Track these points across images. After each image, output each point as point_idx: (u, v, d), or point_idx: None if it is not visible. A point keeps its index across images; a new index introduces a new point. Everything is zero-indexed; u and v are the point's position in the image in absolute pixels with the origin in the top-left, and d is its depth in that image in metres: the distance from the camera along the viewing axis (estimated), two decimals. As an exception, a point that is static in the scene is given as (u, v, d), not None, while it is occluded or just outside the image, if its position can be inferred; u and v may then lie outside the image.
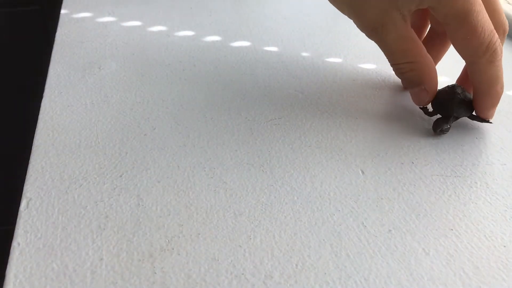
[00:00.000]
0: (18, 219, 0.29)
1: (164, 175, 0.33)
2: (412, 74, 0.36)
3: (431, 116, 0.39)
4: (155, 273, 0.26)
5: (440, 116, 0.37)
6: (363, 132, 0.37)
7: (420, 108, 0.39)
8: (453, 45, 0.35)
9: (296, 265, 0.27)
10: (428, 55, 0.36)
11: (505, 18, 0.37)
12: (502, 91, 0.35)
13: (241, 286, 0.26)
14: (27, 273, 0.26)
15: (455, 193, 0.32)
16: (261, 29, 0.53)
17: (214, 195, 0.31)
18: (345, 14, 0.36)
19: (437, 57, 0.43)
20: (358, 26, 0.36)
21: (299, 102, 0.41)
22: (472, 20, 0.32)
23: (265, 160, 0.35)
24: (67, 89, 0.42)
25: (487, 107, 0.36)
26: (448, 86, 0.38)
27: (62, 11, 0.56)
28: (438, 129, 0.36)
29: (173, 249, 0.28)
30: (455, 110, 0.36)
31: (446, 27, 0.34)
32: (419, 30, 0.43)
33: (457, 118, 0.37)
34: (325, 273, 0.26)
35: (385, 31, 0.34)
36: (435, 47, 0.42)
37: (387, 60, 0.37)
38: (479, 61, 0.34)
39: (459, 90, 0.37)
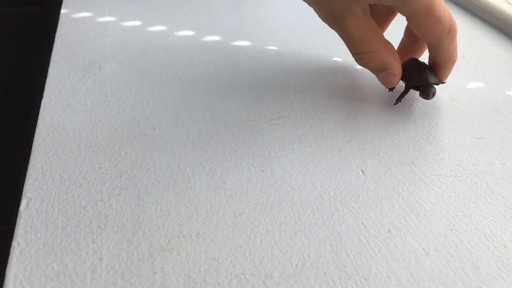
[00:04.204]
0: (18, 219, 0.29)
1: (164, 175, 0.33)
2: (375, 62, 0.37)
3: (391, 90, 0.41)
4: (155, 273, 0.26)
5: (408, 88, 0.40)
6: (363, 132, 0.37)
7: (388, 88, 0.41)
8: (417, 34, 0.37)
9: (296, 265, 0.27)
10: (388, 41, 0.38)
11: None
12: (457, 56, 0.39)
13: (241, 286, 0.26)
14: (27, 273, 0.26)
15: (455, 193, 0.32)
16: (261, 29, 0.53)
17: (214, 195, 0.31)
18: (307, 3, 0.37)
19: (384, 27, 0.44)
20: (319, 16, 0.37)
21: (299, 102, 0.41)
22: (436, 12, 0.34)
23: (265, 160, 0.35)
24: (67, 89, 0.42)
25: (448, 73, 0.40)
26: (409, 60, 0.41)
27: (62, 11, 0.56)
28: (431, 93, 0.39)
29: (173, 249, 0.28)
30: (430, 77, 0.39)
31: (409, 20, 0.36)
32: (382, 21, 0.44)
33: (433, 84, 0.40)
34: (325, 273, 0.26)
35: (344, 21, 0.35)
36: (382, 21, 0.43)
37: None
38: (443, 42, 0.36)
39: (421, 62, 0.40)
